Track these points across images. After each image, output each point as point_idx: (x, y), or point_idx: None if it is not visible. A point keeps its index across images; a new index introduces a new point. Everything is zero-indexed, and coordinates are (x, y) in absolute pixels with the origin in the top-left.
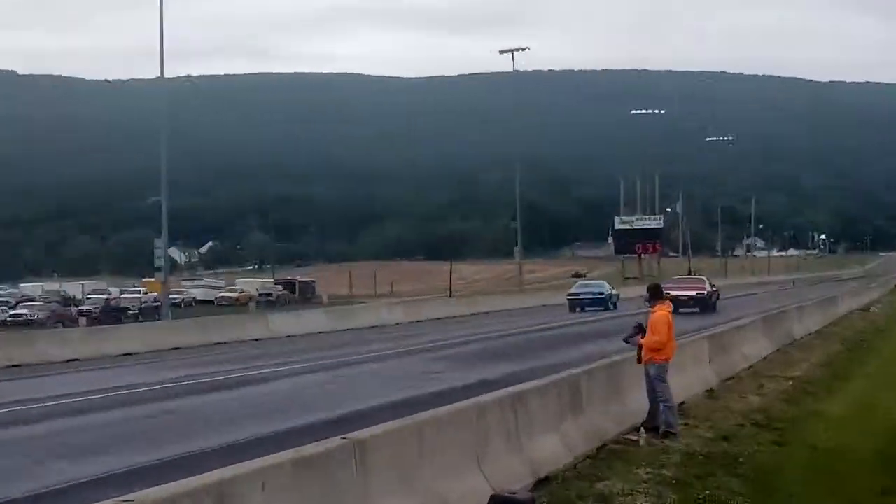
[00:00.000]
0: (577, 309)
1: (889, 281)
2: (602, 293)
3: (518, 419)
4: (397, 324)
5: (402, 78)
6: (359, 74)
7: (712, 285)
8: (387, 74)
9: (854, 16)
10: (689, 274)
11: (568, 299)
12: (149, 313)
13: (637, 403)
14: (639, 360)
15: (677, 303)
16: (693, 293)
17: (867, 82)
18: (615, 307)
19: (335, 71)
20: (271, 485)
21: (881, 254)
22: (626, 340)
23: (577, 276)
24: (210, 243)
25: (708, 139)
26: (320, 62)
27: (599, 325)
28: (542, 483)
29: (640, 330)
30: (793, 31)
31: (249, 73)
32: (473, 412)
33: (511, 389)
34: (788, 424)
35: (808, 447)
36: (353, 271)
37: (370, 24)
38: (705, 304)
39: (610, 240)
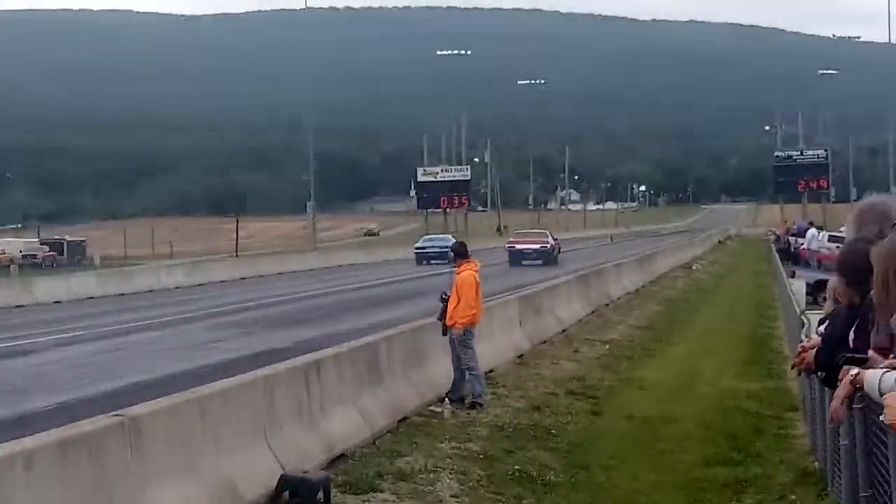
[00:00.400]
0: (424, 262)
1: (712, 236)
2: (446, 246)
3: (310, 391)
4: (177, 287)
5: (181, 15)
6: (131, 12)
7: (555, 239)
8: (163, 11)
9: None
10: (498, 230)
11: (415, 253)
12: None
13: (442, 372)
14: (444, 333)
15: (521, 255)
16: (537, 246)
17: (691, 21)
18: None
19: (105, 7)
20: (34, 470)
21: (703, 206)
22: (439, 318)
23: (370, 234)
24: None
25: (519, 82)
26: None
27: (402, 286)
28: (337, 460)
29: (447, 300)
30: None
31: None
32: (260, 385)
33: (302, 359)
34: (604, 392)
35: (625, 417)
36: (128, 229)
37: None
38: (548, 257)
39: (413, 193)
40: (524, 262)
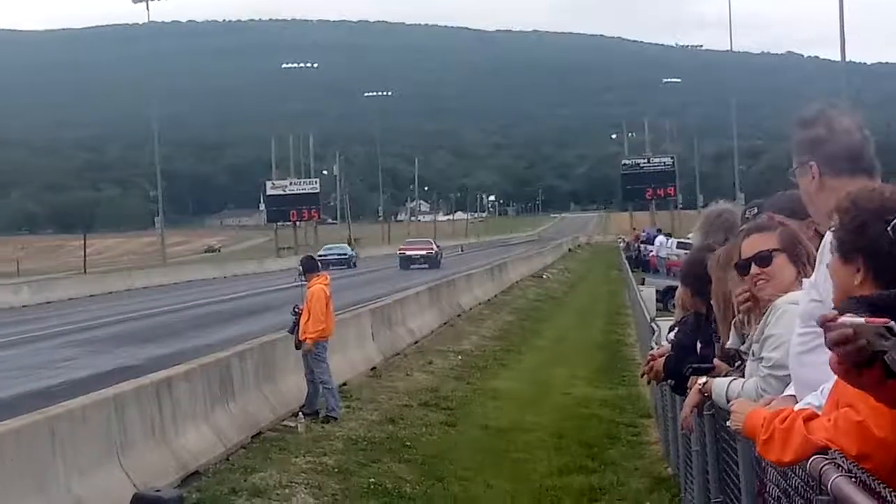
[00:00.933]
0: (326, 267)
1: (562, 244)
2: (345, 253)
3: (162, 409)
4: (24, 306)
5: (20, 30)
6: None
7: (437, 246)
8: (1, 26)
9: None
10: (348, 242)
11: (318, 258)
12: None
13: (295, 386)
14: (297, 346)
15: (410, 260)
16: (423, 252)
17: (534, 31)
18: (355, 265)
19: None
20: None
21: (553, 214)
22: (290, 332)
23: (211, 250)
24: None
25: (367, 94)
26: None
27: (253, 300)
28: (191, 477)
29: (298, 313)
30: None
31: None
32: (111, 403)
33: (154, 376)
34: (458, 403)
35: (479, 427)
36: None
37: None
38: (433, 261)
39: (262, 206)
40: (412, 266)
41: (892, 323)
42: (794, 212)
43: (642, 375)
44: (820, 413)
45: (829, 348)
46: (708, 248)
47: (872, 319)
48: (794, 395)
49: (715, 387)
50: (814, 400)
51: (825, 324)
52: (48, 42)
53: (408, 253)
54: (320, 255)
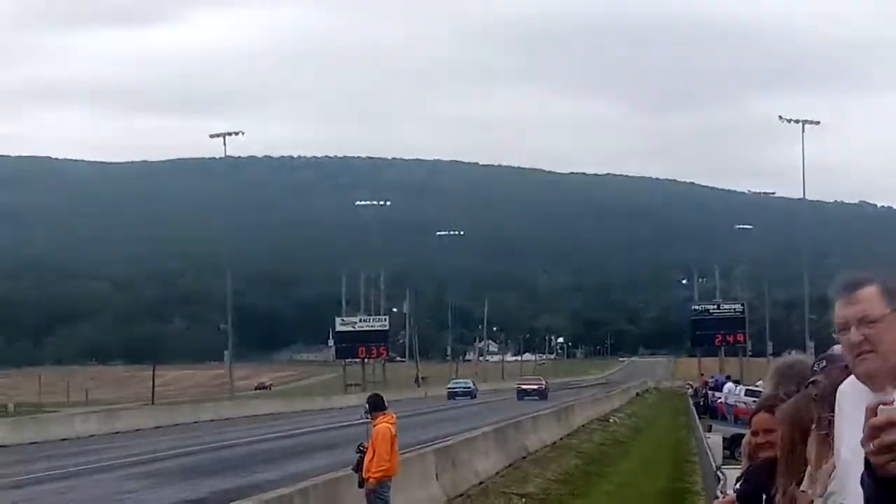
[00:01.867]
0: (453, 398)
1: (630, 389)
2: (469, 387)
3: None
4: (91, 435)
5: (102, 162)
6: (49, 158)
7: (546, 382)
8: (80, 158)
9: (596, 105)
10: (416, 381)
11: (447, 390)
12: None
13: None
14: (360, 485)
15: (525, 393)
16: (535, 387)
17: (608, 174)
18: (475, 396)
19: (24, 154)
20: None
21: (621, 358)
22: (354, 470)
23: (262, 387)
24: None
25: (438, 233)
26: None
27: (319, 437)
28: None
29: (363, 451)
30: (531, 120)
31: None
32: None
33: None
34: None
35: None
36: (43, 376)
37: (57, 101)
38: (543, 394)
39: (331, 342)
40: (526, 398)
41: None
42: None
43: None
44: None
45: (865, 441)
46: (777, 398)
47: None
48: None
49: None
50: None
51: (877, 407)
52: (128, 174)
53: (523, 387)
54: (449, 388)
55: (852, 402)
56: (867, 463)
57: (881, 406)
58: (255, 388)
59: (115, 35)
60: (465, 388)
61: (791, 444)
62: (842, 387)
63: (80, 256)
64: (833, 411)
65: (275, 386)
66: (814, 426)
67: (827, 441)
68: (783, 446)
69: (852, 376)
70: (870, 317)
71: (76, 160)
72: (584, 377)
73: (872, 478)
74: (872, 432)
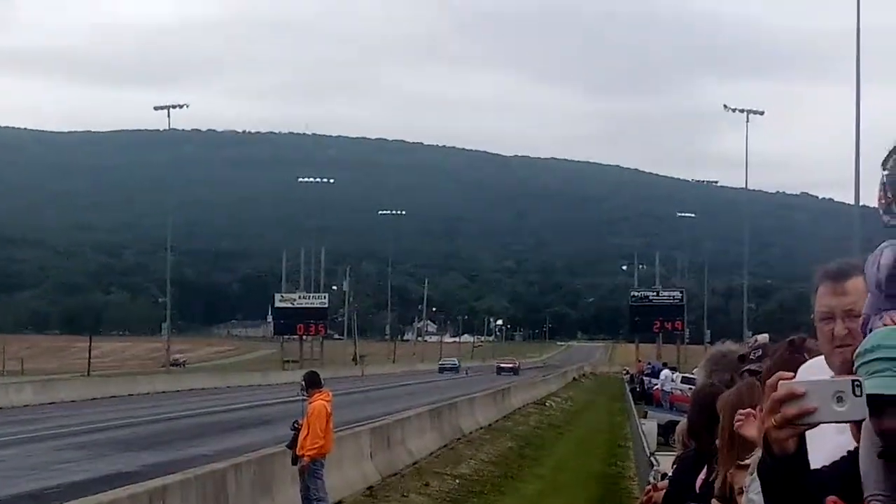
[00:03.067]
0: (445, 371)
1: (568, 373)
2: (455, 364)
3: None
4: (26, 405)
5: (42, 131)
6: None
7: (518, 362)
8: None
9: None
10: (354, 359)
11: (439, 366)
12: None
13: (290, 501)
14: (294, 462)
15: (502, 369)
16: (511, 366)
17: (552, 158)
18: (460, 372)
19: None
20: None
21: (560, 342)
22: (289, 447)
23: (175, 364)
24: None
25: (381, 212)
26: None
27: (253, 412)
28: None
29: (298, 428)
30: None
31: None
32: None
33: (148, 484)
34: None
35: None
36: None
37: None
38: (516, 371)
39: (270, 318)
40: (503, 373)
41: (861, 379)
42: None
43: None
44: None
45: (765, 416)
46: (711, 386)
47: (839, 377)
48: None
49: None
50: None
51: (776, 383)
52: (71, 144)
53: (501, 365)
54: (440, 364)
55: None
56: (765, 443)
57: (781, 382)
58: (170, 365)
59: (61, 3)
60: (452, 364)
61: (731, 430)
62: (804, 367)
63: (20, 224)
64: None
65: (214, 360)
66: (759, 407)
67: None
68: (723, 433)
69: (819, 358)
70: (856, 311)
71: (18, 128)
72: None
73: (771, 456)
74: (773, 406)
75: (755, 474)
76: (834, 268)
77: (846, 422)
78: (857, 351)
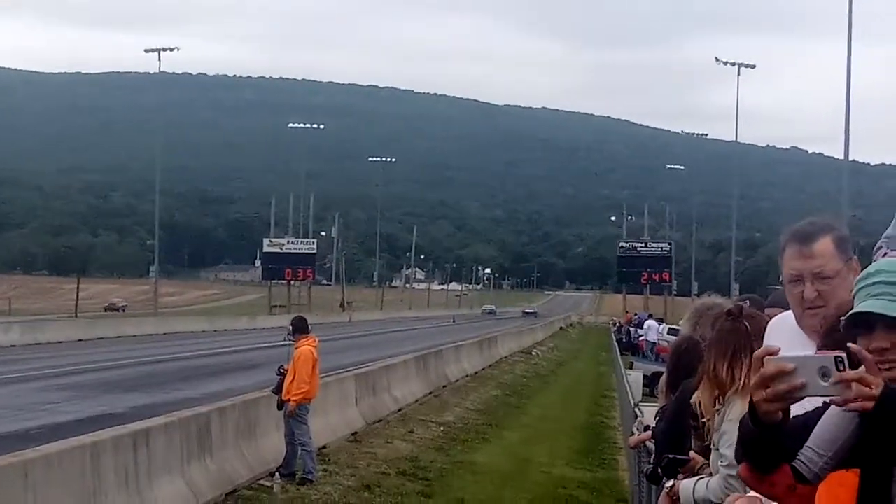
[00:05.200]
0: (485, 315)
1: (554, 322)
2: (494, 309)
3: (138, 460)
4: (13, 346)
5: (32, 71)
6: None
7: (538, 307)
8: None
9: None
10: (341, 305)
11: (482, 310)
12: None
13: (274, 446)
14: (279, 407)
15: (526, 313)
16: (534, 310)
17: (543, 108)
18: (495, 315)
19: None
20: None
21: (547, 291)
22: (274, 392)
23: (112, 308)
24: None
25: (371, 158)
26: None
27: (240, 357)
28: None
29: (283, 373)
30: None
31: None
32: (87, 451)
33: (132, 426)
34: (436, 475)
35: (455, 500)
36: None
37: None
38: (536, 315)
39: (258, 263)
40: (527, 316)
41: (843, 355)
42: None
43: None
44: None
45: (754, 389)
46: (689, 339)
47: (823, 351)
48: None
49: (682, 490)
50: None
51: (762, 358)
52: (61, 85)
53: (527, 310)
54: (483, 309)
55: (780, 339)
56: (752, 410)
57: (767, 357)
58: (105, 310)
59: None
60: (491, 309)
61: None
62: (772, 322)
63: (8, 164)
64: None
65: (202, 304)
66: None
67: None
68: (706, 365)
69: (787, 313)
70: (825, 272)
71: (8, 68)
72: (509, 308)
73: (758, 425)
74: (763, 381)
75: (725, 429)
76: (801, 229)
77: (833, 396)
78: (860, 276)
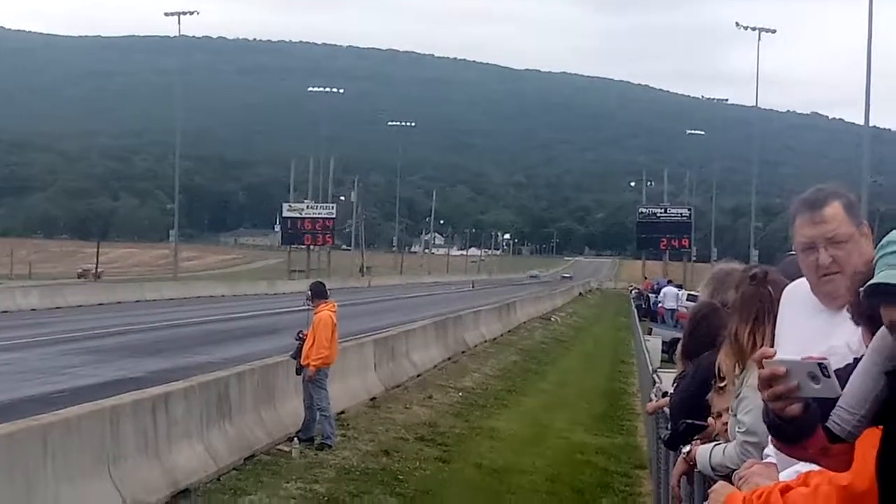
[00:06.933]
0: (530, 279)
1: (573, 287)
2: (537, 274)
3: (157, 424)
4: (33, 310)
5: (53, 35)
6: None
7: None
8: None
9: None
10: (360, 270)
11: (528, 275)
12: None
13: (292, 411)
14: (298, 372)
15: (564, 278)
16: (570, 275)
17: (563, 73)
18: (538, 278)
19: None
20: None
21: (567, 257)
22: (293, 357)
23: (84, 275)
24: None
25: (390, 123)
26: None
27: (259, 321)
28: (181, 495)
29: (302, 339)
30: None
31: None
32: (106, 415)
33: (152, 390)
34: (455, 440)
35: (473, 465)
36: None
37: None
38: (572, 278)
39: (277, 228)
40: (563, 279)
41: (827, 360)
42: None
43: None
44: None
45: (760, 387)
46: (712, 305)
47: (809, 357)
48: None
49: (699, 456)
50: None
51: (761, 360)
52: (82, 48)
53: (564, 275)
54: (529, 273)
55: (794, 306)
56: (766, 406)
57: (765, 360)
58: (78, 276)
59: None
60: (535, 273)
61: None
62: (786, 291)
63: (29, 129)
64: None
65: (221, 269)
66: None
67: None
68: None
69: (800, 280)
70: (838, 237)
71: (28, 31)
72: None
73: (781, 419)
74: (763, 383)
75: (744, 394)
76: (810, 196)
77: (826, 398)
78: (880, 244)
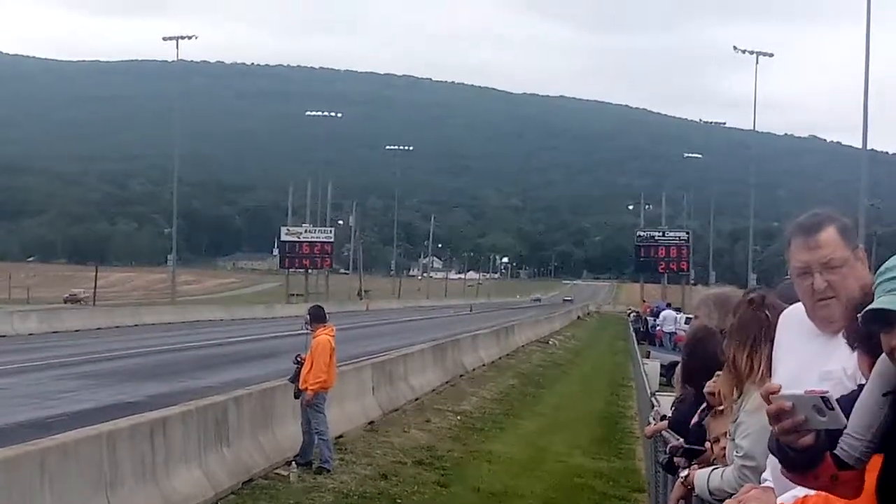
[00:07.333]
0: (532, 302)
1: (572, 311)
2: (539, 298)
3: (155, 448)
4: (31, 334)
5: (51, 59)
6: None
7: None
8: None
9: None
10: (359, 294)
11: (531, 298)
12: None
13: (291, 435)
14: (296, 396)
15: (565, 301)
16: (570, 298)
17: (561, 96)
18: (540, 301)
19: None
20: None
21: (565, 281)
22: (291, 381)
23: (72, 299)
24: None
25: (388, 147)
26: None
27: (257, 345)
28: None
29: (300, 362)
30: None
31: None
32: (104, 439)
33: (150, 415)
34: (453, 464)
35: (471, 489)
36: None
37: None
38: (572, 301)
39: (276, 251)
40: (565, 303)
41: (829, 393)
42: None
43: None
44: None
45: (770, 423)
46: (708, 328)
47: (811, 390)
48: (773, 487)
49: (697, 479)
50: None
51: (767, 395)
52: (80, 73)
53: (565, 298)
54: (532, 298)
55: (790, 331)
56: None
57: (771, 395)
58: (65, 301)
59: None
60: (536, 298)
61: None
62: (782, 316)
63: (28, 152)
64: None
65: (219, 293)
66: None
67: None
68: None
69: (797, 304)
70: (833, 262)
71: (26, 56)
72: (525, 297)
73: (794, 451)
74: (772, 420)
75: (742, 419)
76: (805, 221)
77: (832, 429)
78: (879, 270)
